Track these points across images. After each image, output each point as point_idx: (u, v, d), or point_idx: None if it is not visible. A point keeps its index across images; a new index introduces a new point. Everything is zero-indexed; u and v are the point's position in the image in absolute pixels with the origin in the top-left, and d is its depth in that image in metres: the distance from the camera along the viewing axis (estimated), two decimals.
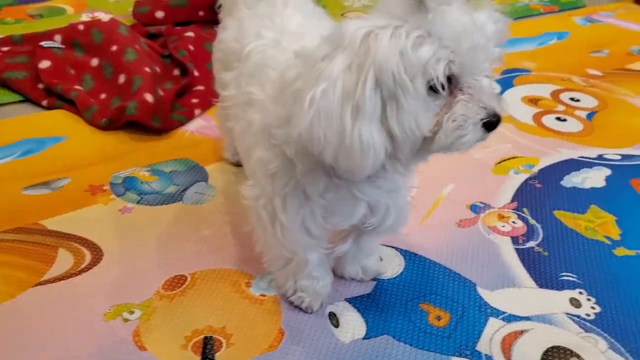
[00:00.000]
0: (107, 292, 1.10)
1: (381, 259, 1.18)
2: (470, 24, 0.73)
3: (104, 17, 2.21)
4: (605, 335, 1.05)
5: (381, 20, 0.73)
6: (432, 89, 0.73)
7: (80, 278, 1.13)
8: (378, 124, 0.74)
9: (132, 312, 1.06)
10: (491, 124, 0.77)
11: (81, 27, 1.87)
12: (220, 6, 1.28)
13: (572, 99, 1.86)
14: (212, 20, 2.08)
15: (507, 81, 1.94)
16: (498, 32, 0.77)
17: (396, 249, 1.22)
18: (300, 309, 1.08)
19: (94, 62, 1.80)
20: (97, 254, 1.19)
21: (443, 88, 0.73)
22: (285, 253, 1.01)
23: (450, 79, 0.75)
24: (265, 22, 1.05)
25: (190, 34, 2.00)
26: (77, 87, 1.74)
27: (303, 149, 0.81)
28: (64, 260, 1.17)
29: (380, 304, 1.10)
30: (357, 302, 1.10)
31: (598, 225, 1.31)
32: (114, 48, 1.76)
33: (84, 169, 1.45)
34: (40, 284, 1.12)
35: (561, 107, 1.80)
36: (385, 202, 0.94)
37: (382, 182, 0.90)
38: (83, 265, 1.16)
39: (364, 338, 1.03)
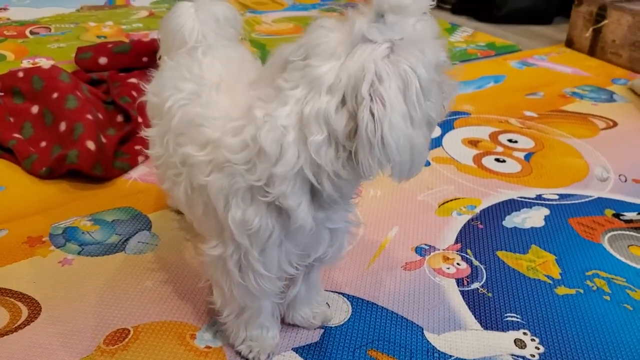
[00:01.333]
0: (45, 350, 1.06)
1: (329, 305, 1.18)
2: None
3: (45, 63, 2.19)
4: None
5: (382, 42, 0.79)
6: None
7: (17, 335, 1.09)
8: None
9: None
10: None
11: (21, 74, 1.84)
12: (160, 57, 1.28)
13: (510, 140, 1.92)
14: (155, 66, 2.09)
15: (447, 124, 1.99)
16: None
17: (343, 294, 1.22)
18: (247, 359, 1.06)
19: (34, 109, 1.77)
20: (35, 309, 1.15)
21: None
22: (248, 302, 0.99)
23: None
24: (183, 73, 1.03)
25: (133, 80, 1.99)
26: (16, 135, 1.70)
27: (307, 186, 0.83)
28: None
29: (327, 352, 1.09)
30: (304, 351, 1.09)
31: (539, 264, 1.34)
32: (55, 95, 1.73)
33: (22, 220, 1.40)
34: None
35: (500, 149, 1.86)
36: (342, 228, 0.95)
37: (348, 206, 0.93)
38: (19, 322, 1.12)
39: None
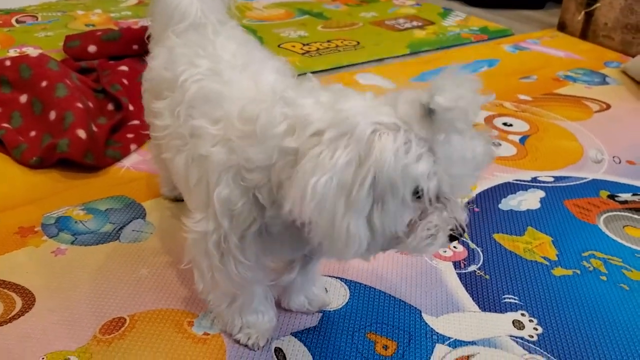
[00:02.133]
0: (41, 340, 1.05)
1: (326, 290, 1.17)
2: (469, 153, 0.76)
3: (33, 52, 2.16)
4: (548, 355, 1.06)
5: (388, 116, 0.74)
6: (414, 195, 0.76)
7: (11, 326, 1.07)
8: (364, 218, 0.75)
9: None
10: (456, 236, 0.80)
11: (8, 62, 1.81)
12: (149, 36, 1.27)
13: (504, 123, 1.91)
14: (146, 53, 2.06)
15: None
16: (487, 161, 0.80)
17: (341, 279, 1.21)
18: (247, 346, 1.05)
19: (23, 98, 1.74)
20: (29, 299, 1.13)
21: (430, 201, 0.76)
22: (233, 289, 0.98)
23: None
24: (197, 50, 1.04)
25: (124, 67, 1.97)
26: (5, 125, 1.67)
27: (279, 200, 0.82)
28: None
29: (326, 336, 1.08)
30: (303, 336, 1.08)
31: (536, 246, 1.34)
32: (44, 84, 1.71)
33: (13, 210, 1.38)
34: None
35: (495, 132, 1.85)
36: None
37: None
38: (13, 313, 1.10)
39: None
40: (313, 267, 1.08)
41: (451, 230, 0.79)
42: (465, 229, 0.81)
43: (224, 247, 0.91)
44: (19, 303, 1.12)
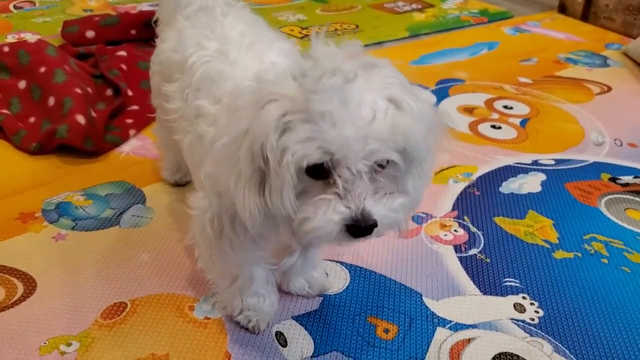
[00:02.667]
0: (42, 325, 1.05)
1: (327, 274, 1.17)
2: (354, 113, 0.69)
3: (31, 38, 2.14)
4: (550, 338, 1.07)
5: (283, 88, 0.72)
6: (309, 174, 0.73)
7: (13, 311, 1.07)
8: (255, 189, 0.74)
9: (69, 345, 1.01)
10: (354, 228, 0.72)
11: (6, 48, 1.80)
12: (156, 21, 1.26)
13: (505, 106, 1.90)
14: (144, 38, 2.05)
15: (442, 91, 1.97)
16: (387, 120, 0.71)
17: (341, 263, 1.21)
18: (247, 329, 1.05)
19: (22, 84, 1.73)
20: (30, 285, 1.14)
21: (313, 175, 0.72)
22: (231, 269, 0.98)
23: (327, 167, 0.72)
24: (205, 32, 1.05)
25: (122, 53, 1.95)
26: (4, 111, 1.66)
27: None
28: None
29: (327, 320, 1.08)
30: (304, 320, 1.08)
31: (537, 229, 1.34)
32: (43, 69, 1.70)
33: (13, 197, 1.38)
34: None
35: (495, 115, 1.84)
36: None
37: None
38: (15, 298, 1.10)
39: (312, 356, 1.01)
40: (313, 252, 1.08)
41: (344, 221, 0.71)
42: (367, 220, 0.71)
43: (217, 226, 0.91)
44: (20, 288, 1.13)
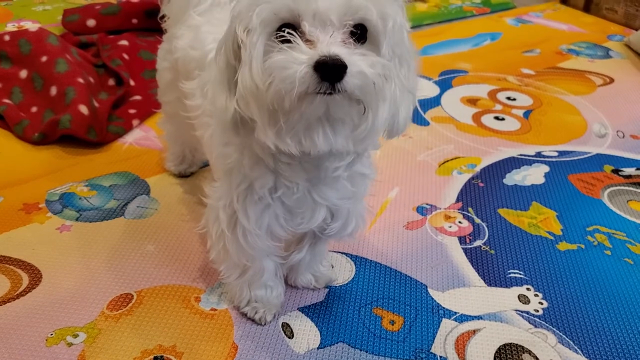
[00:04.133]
0: (48, 316, 1.05)
1: (332, 266, 1.17)
2: None
3: (32, 26, 2.13)
4: (554, 329, 1.07)
5: None
6: (278, 41, 0.72)
7: (19, 303, 1.08)
8: (225, 85, 0.78)
9: (76, 336, 1.01)
10: (323, 68, 0.68)
11: (7, 37, 1.79)
12: (163, 17, 1.25)
13: (508, 98, 1.90)
14: (146, 27, 2.04)
15: (445, 82, 1.97)
16: None
17: (346, 255, 1.21)
18: (254, 321, 1.06)
19: (23, 74, 1.72)
20: (36, 276, 1.14)
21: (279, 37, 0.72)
22: (243, 260, 0.98)
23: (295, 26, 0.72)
24: (223, 27, 1.03)
25: (124, 42, 1.94)
26: (6, 100, 1.66)
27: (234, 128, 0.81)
28: None
29: (333, 311, 1.08)
30: (310, 311, 1.08)
31: (540, 221, 1.34)
32: (44, 59, 1.69)
33: (17, 187, 1.38)
34: None
35: (499, 107, 1.84)
36: (346, 208, 0.93)
37: (340, 186, 0.89)
38: (21, 289, 1.10)
39: (319, 347, 1.02)
40: (322, 246, 1.08)
41: (311, 61, 0.68)
42: (340, 58, 0.68)
43: (229, 213, 0.91)
44: (25, 279, 1.13)
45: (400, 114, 0.79)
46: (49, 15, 2.32)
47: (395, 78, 0.76)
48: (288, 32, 0.71)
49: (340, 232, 0.97)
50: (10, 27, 2.20)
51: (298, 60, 0.69)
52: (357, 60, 0.70)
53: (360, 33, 0.73)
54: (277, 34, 0.72)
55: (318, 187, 0.87)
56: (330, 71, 0.68)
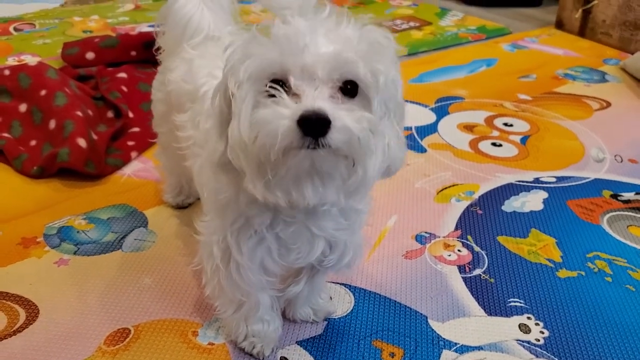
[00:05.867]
0: (46, 352, 1.04)
1: (331, 298, 1.16)
2: (291, 32, 0.72)
3: (32, 60, 2.15)
4: (556, 359, 1.06)
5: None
6: (266, 95, 0.73)
7: (16, 339, 1.07)
8: (218, 129, 0.80)
9: None
10: (305, 122, 0.68)
11: (7, 72, 1.80)
12: (158, 49, 1.26)
13: (505, 124, 1.91)
14: (144, 59, 2.06)
15: (442, 109, 1.98)
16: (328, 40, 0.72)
17: (345, 285, 1.21)
18: (251, 355, 1.05)
19: (22, 107, 1.73)
20: (33, 311, 1.13)
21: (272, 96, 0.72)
22: (238, 295, 0.97)
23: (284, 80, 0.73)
24: (216, 62, 1.04)
25: (122, 74, 1.96)
26: (5, 134, 1.66)
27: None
28: None
29: (332, 344, 1.07)
30: (308, 345, 1.07)
31: (540, 248, 1.34)
32: (43, 92, 1.70)
33: (14, 221, 1.38)
34: None
35: (496, 133, 1.84)
36: (343, 239, 0.92)
37: (338, 217, 0.88)
38: (17, 325, 1.10)
39: None
40: (320, 279, 1.07)
41: (294, 116, 0.68)
42: (324, 112, 0.68)
43: (223, 248, 0.91)
44: (22, 315, 1.12)
45: (395, 165, 0.82)
46: (48, 49, 2.34)
47: (387, 131, 0.77)
48: (271, 87, 0.72)
49: (338, 264, 0.96)
50: (11, 60, 2.22)
51: (281, 115, 0.69)
52: (342, 115, 0.70)
53: (350, 88, 0.74)
54: (266, 88, 0.73)
55: (315, 219, 0.87)
56: (313, 126, 0.68)
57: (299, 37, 0.71)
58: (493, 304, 1.18)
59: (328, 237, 0.90)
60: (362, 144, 0.71)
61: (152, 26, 2.56)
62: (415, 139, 1.78)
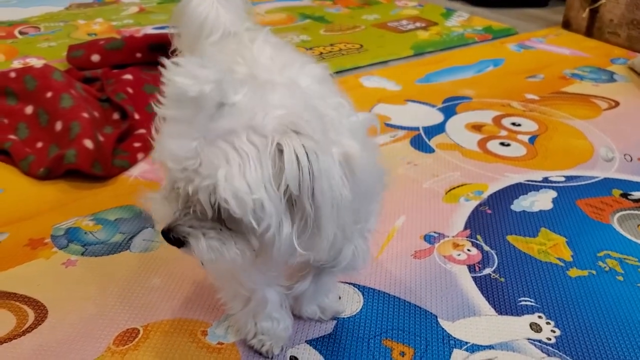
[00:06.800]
0: (55, 353, 1.04)
1: (340, 297, 1.15)
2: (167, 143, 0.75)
3: (37, 63, 2.15)
4: (567, 358, 1.05)
5: None
6: None
7: (25, 339, 1.06)
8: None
9: None
10: (164, 234, 0.78)
11: (13, 74, 1.80)
12: (174, 51, 1.25)
13: (513, 123, 1.90)
14: (150, 61, 2.06)
15: (449, 109, 1.97)
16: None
17: (354, 285, 1.20)
18: (261, 354, 1.04)
19: (29, 110, 1.73)
20: (41, 312, 1.12)
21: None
22: (241, 290, 0.97)
23: None
24: (235, 57, 1.02)
25: (128, 76, 1.96)
26: (12, 136, 1.66)
27: None
28: (5, 321, 1.10)
29: (342, 343, 1.07)
30: (318, 344, 1.07)
31: (550, 247, 1.33)
32: (49, 94, 1.70)
33: (22, 222, 1.38)
34: None
35: (504, 132, 1.83)
36: (338, 246, 0.90)
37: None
38: (26, 326, 1.09)
39: None
40: (326, 278, 1.05)
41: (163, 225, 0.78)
42: (181, 233, 0.77)
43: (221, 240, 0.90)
44: (31, 316, 1.11)
45: None
46: (53, 52, 2.35)
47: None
48: None
49: (337, 266, 0.95)
50: (16, 64, 2.22)
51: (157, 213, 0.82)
52: (200, 239, 0.77)
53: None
54: None
55: None
56: (169, 240, 0.79)
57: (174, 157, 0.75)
58: (503, 303, 1.17)
59: None
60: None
61: (158, 28, 2.57)
62: (423, 139, 1.77)
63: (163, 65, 0.73)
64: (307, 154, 0.70)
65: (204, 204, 0.73)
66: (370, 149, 0.87)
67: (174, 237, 0.77)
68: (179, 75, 0.70)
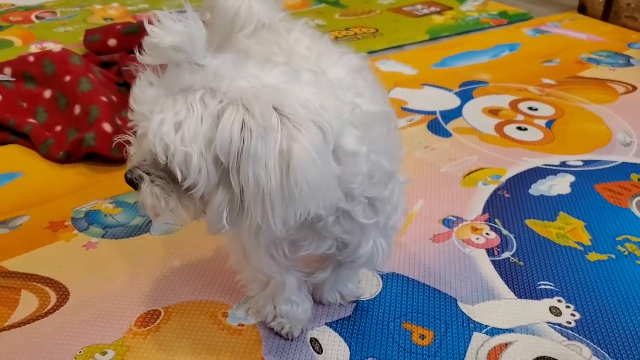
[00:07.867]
0: (77, 334, 1.05)
1: (359, 281, 1.16)
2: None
3: (55, 47, 2.15)
4: (588, 342, 1.05)
5: None
6: None
7: (47, 320, 1.08)
8: None
9: (104, 353, 1.01)
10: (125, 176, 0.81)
11: (32, 58, 1.81)
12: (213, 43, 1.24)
13: (530, 108, 1.89)
14: None
15: (466, 94, 1.96)
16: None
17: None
18: (281, 336, 1.05)
19: (47, 94, 1.74)
20: (63, 293, 1.14)
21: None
22: (258, 275, 0.98)
23: None
24: (272, 47, 1.01)
25: None
26: (31, 120, 1.67)
27: None
28: (28, 302, 1.12)
29: (362, 326, 1.07)
30: (338, 326, 1.07)
31: (569, 232, 1.32)
32: (68, 79, 1.71)
33: (43, 205, 1.39)
34: (4, 329, 1.06)
35: (521, 117, 1.83)
36: (356, 241, 0.91)
37: (346, 222, 0.88)
38: (49, 307, 1.11)
39: None
40: (347, 271, 1.05)
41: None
42: (135, 175, 0.79)
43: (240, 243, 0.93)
44: (53, 297, 1.13)
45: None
46: (70, 36, 2.35)
47: None
48: None
49: (355, 262, 0.96)
50: (34, 48, 2.23)
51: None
52: (148, 187, 0.79)
53: None
54: None
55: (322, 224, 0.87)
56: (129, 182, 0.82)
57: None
58: (523, 287, 1.17)
59: (337, 237, 0.90)
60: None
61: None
62: (440, 123, 1.77)
63: None
64: (242, 130, 0.71)
65: (144, 149, 0.76)
66: (379, 143, 0.87)
67: (128, 177, 0.80)
68: (157, 27, 0.72)
